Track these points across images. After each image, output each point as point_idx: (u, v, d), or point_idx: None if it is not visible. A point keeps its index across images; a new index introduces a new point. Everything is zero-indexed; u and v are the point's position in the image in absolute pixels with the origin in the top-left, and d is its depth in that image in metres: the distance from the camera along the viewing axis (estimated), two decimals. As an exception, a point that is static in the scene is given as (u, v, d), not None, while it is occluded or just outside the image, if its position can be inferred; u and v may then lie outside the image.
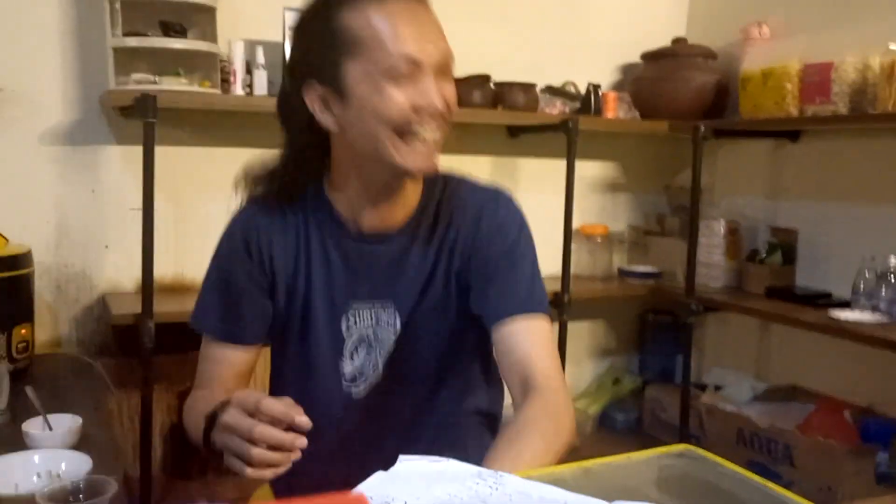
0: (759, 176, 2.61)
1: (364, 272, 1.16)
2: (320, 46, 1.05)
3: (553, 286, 2.43)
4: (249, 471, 0.91)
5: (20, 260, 1.73)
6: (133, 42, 1.87)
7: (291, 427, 0.90)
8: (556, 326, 2.41)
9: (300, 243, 1.17)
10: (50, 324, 2.06)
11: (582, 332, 2.82)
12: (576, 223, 2.49)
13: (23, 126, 2.00)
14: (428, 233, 1.17)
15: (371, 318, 1.17)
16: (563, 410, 1.05)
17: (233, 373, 1.19)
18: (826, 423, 2.17)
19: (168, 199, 2.12)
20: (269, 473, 0.91)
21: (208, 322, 1.19)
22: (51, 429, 1.27)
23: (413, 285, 1.17)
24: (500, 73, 2.44)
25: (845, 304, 2.17)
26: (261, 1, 2.19)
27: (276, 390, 1.24)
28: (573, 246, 2.47)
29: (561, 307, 2.40)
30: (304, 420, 0.89)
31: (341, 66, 1.03)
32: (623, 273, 2.72)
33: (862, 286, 2.13)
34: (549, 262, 2.58)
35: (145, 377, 1.87)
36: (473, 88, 2.35)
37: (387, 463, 0.84)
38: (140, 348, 1.86)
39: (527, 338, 1.11)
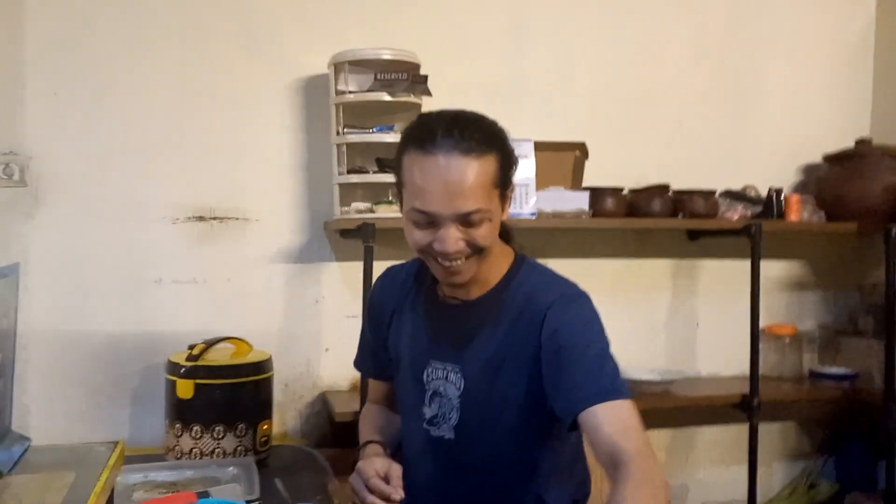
0: (960, 275, 2.48)
1: (440, 335, 1.37)
2: (396, 165, 1.28)
3: (741, 388, 2.44)
4: None
5: (264, 365, 2.02)
6: (355, 179, 2.18)
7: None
8: (746, 429, 2.41)
9: (400, 303, 1.44)
10: (278, 418, 2.34)
11: (772, 435, 2.76)
12: (762, 322, 2.46)
13: (262, 248, 2.34)
14: (499, 314, 1.31)
15: (442, 375, 1.36)
16: (656, 476, 1.08)
17: (383, 394, 1.57)
18: None
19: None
20: None
21: (356, 361, 1.60)
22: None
23: (479, 356, 1.32)
24: (679, 181, 2.52)
25: None
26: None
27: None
28: (760, 346, 2.45)
29: (750, 410, 2.39)
30: (398, 497, 1.24)
31: (400, 189, 1.27)
32: (815, 375, 2.65)
33: None
34: (734, 362, 2.63)
35: (362, 470, 2.09)
36: (653, 197, 2.44)
37: None
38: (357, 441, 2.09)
39: (608, 420, 1.14)
